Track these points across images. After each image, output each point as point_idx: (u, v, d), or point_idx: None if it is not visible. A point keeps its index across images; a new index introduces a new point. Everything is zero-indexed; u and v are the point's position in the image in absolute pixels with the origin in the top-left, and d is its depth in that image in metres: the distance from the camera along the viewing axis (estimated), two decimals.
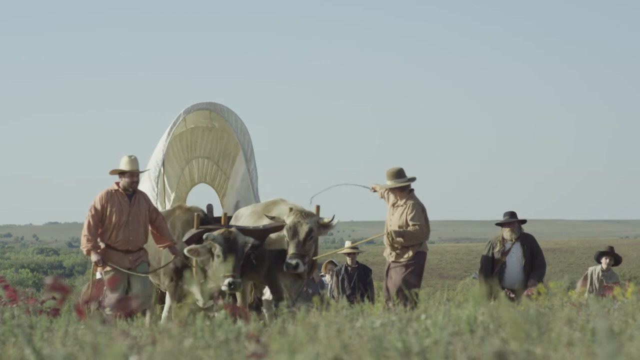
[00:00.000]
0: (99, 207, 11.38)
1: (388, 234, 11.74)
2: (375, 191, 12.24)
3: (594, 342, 5.07)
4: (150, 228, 11.59)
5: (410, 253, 11.78)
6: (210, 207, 13.22)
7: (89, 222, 11.33)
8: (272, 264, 11.81)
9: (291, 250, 11.40)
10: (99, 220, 11.35)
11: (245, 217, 12.48)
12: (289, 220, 11.53)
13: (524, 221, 12.90)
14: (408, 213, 11.74)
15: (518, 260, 12.68)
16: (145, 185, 13.35)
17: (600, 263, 14.52)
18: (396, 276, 11.70)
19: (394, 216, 11.85)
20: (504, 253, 12.70)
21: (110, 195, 11.44)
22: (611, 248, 14.88)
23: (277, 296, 11.77)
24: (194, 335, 5.17)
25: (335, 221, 11.65)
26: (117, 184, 11.54)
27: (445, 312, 5.76)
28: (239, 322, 5.54)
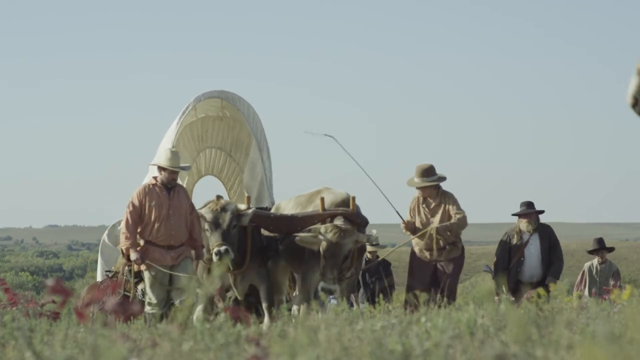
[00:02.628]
0: (137, 203, 11.02)
1: (430, 233, 11.39)
2: (405, 228, 11.68)
3: (594, 344, 5.07)
4: None
5: (460, 246, 11.57)
6: (219, 199, 12.90)
7: (127, 219, 11.00)
8: (307, 260, 11.31)
9: (328, 273, 10.80)
10: (138, 216, 11.00)
11: (288, 210, 11.92)
12: (327, 237, 10.86)
13: (541, 212, 12.39)
14: (450, 206, 11.48)
15: (537, 252, 12.18)
16: (154, 169, 12.94)
17: (595, 256, 14.13)
18: (452, 275, 11.37)
19: (435, 218, 11.52)
20: (522, 245, 12.17)
21: (148, 190, 11.08)
22: (600, 241, 14.34)
23: (304, 296, 11.32)
24: (194, 338, 5.17)
25: (373, 239, 11.17)
26: (155, 178, 11.19)
27: (445, 314, 5.76)
28: (239, 325, 5.55)
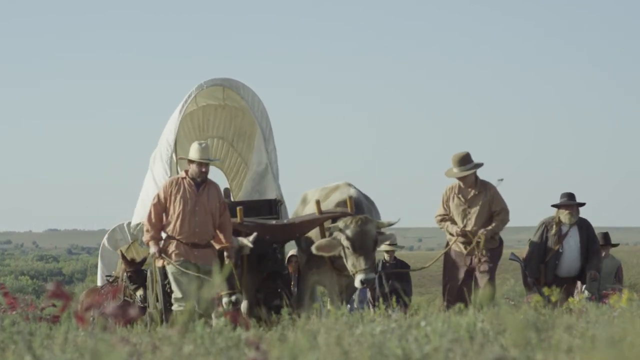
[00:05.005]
0: (162, 195, 10.55)
1: (477, 241, 10.95)
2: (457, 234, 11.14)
3: (594, 349, 5.08)
4: None
5: (497, 238, 11.17)
6: (227, 192, 12.29)
7: (150, 212, 10.56)
8: (308, 256, 10.89)
9: (362, 264, 10.27)
10: (162, 209, 10.53)
11: (311, 205, 11.29)
12: (350, 230, 10.41)
13: (582, 204, 11.79)
14: (491, 198, 11.08)
15: (576, 245, 11.57)
16: (157, 167, 12.42)
17: None
18: (489, 262, 10.94)
19: (474, 209, 11.08)
20: (561, 237, 11.57)
21: (176, 183, 10.58)
22: (605, 236, 13.45)
23: (299, 296, 10.98)
24: (194, 342, 5.17)
25: (393, 226, 10.65)
26: (186, 172, 10.69)
27: (445, 318, 5.76)
28: (239, 329, 5.55)
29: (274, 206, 12.29)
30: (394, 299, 13.41)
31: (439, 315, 6.33)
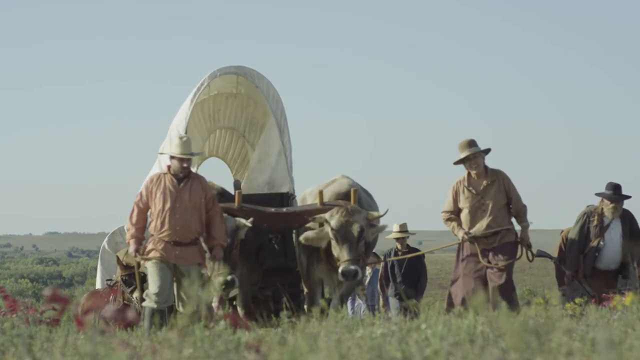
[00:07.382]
0: (144, 192, 10.17)
1: (530, 256, 10.65)
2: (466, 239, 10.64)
3: (593, 352, 5.07)
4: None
5: (514, 231, 10.69)
6: (238, 184, 11.76)
7: (132, 209, 10.20)
8: (309, 252, 10.66)
9: (345, 255, 10.01)
10: (145, 207, 10.16)
11: (310, 200, 11.09)
12: (334, 220, 10.14)
13: (628, 197, 11.22)
14: (507, 186, 10.59)
15: (618, 238, 11.08)
16: (166, 158, 11.68)
17: None
18: (506, 268, 10.42)
19: (488, 200, 10.54)
20: (603, 229, 11.10)
21: (157, 180, 10.18)
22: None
23: (310, 296, 10.75)
24: (194, 345, 5.16)
25: (383, 220, 10.36)
26: (169, 167, 10.23)
27: (445, 322, 5.76)
28: (239, 332, 5.54)
29: (285, 200, 11.93)
30: (393, 301, 13.33)
31: (439, 318, 6.33)
